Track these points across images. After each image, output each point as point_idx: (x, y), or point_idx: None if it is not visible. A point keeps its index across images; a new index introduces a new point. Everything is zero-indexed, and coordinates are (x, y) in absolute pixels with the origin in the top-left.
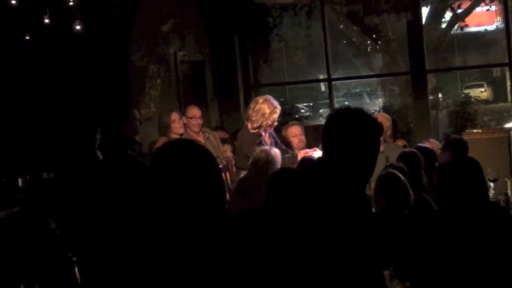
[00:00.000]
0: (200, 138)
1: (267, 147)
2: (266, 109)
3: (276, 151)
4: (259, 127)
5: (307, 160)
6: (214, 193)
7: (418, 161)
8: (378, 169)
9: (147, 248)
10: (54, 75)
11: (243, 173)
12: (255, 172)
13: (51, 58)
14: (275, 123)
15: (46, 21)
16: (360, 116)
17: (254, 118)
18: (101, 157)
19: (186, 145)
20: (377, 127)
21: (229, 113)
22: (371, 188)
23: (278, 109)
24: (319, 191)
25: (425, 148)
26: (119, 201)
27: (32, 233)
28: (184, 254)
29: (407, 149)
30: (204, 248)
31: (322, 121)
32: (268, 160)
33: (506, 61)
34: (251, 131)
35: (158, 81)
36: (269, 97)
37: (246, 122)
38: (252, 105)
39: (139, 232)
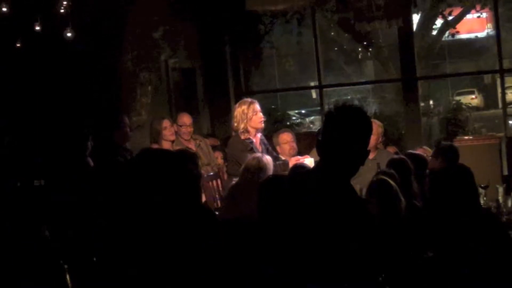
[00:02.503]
0: (191, 146)
1: (259, 154)
2: (245, 108)
3: (267, 158)
4: (247, 130)
5: (299, 167)
6: (185, 194)
7: (407, 168)
8: (370, 176)
9: (135, 253)
10: (45, 82)
11: (234, 180)
12: (247, 179)
13: (42, 65)
14: (262, 123)
15: (37, 28)
16: (357, 113)
17: (236, 124)
18: (92, 164)
19: (155, 154)
20: (370, 123)
21: (220, 120)
22: (362, 195)
23: (255, 102)
24: (311, 197)
25: (415, 154)
26: (109, 207)
27: (24, 240)
28: (172, 260)
29: (396, 156)
30: (191, 251)
31: (313, 128)
32: (260, 167)
33: (497, 68)
34: (242, 137)
35: (149, 88)
36: (243, 99)
37: (234, 133)
38: (233, 115)
39: (126, 238)
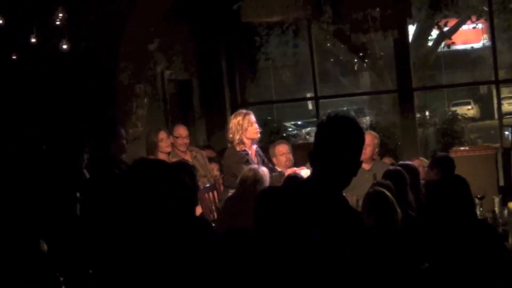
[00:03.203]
0: (188, 157)
1: (255, 166)
2: (240, 119)
3: (264, 170)
4: (242, 142)
5: (293, 177)
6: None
7: (403, 179)
8: (366, 187)
9: (131, 265)
10: (41, 94)
11: (231, 192)
12: (243, 190)
13: (38, 77)
14: (258, 134)
15: (33, 40)
16: (350, 123)
17: (232, 135)
18: (88, 176)
19: (148, 163)
20: (363, 134)
21: (216, 131)
22: (359, 206)
23: (250, 113)
24: (303, 209)
25: (408, 165)
26: (105, 219)
27: (21, 253)
28: (168, 270)
29: (391, 167)
30: (188, 262)
31: (309, 139)
32: (256, 179)
33: (493, 78)
34: (237, 149)
35: (145, 100)
36: (239, 110)
37: (230, 144)
38: (228, 127)
39: (122, 250)
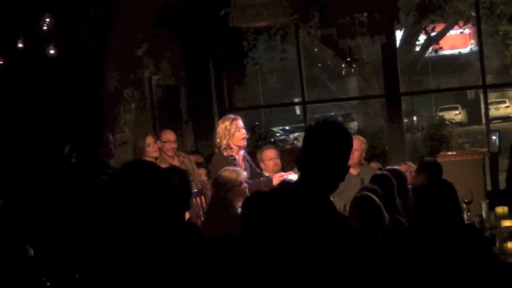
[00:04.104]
0: (175, 162)
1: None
2: (227, 124)
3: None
4: (230, 147)
5: (287, 183)
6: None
7: (391, 183)
8: (353, 192)
9: (118, 270)
10: (28, 99)
11: None
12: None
13: (25, 82)
14: (245, 140)
15: (20, 45)
16: (338, 128)
17: (219, 140)
18: (74, 182)
19: (138, 165)
20: (351, 139)
21: (204, 137)
22: (346, 211)
23: (238, 118)
24: (290, 214)
25: (395, 169)
26: (93, 223)
27: (7, 258)
28: (156, 275)
29: (379, 172)
30: (176, 267)
31: (297, 144)
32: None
33: (480, 83)
34: (224, 154)
35: (133, 105)
36: (226, 116)
37: (217, 149)
38: (216, 132)
39: (108, 254)
